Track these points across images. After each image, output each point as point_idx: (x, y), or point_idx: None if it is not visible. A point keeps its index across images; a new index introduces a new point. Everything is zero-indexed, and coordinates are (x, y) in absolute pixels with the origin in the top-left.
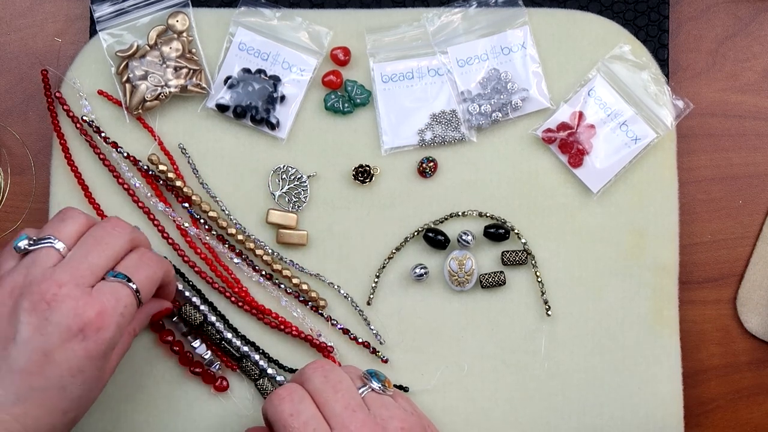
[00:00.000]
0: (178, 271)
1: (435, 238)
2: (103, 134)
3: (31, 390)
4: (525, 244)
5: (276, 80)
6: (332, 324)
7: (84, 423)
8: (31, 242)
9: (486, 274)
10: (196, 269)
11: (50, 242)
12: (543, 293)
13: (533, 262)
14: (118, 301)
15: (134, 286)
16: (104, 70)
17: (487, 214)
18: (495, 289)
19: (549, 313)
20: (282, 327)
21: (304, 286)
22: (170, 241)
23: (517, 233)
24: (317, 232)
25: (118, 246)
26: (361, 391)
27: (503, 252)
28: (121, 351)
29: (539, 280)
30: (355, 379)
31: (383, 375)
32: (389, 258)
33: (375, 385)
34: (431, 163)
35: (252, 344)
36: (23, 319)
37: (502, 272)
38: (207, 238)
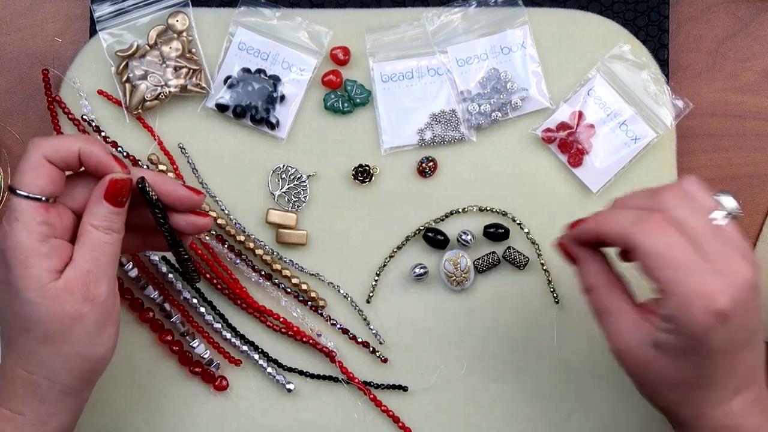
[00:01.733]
0: (177, 270)
1: (435, 238)
2: (103, 134)
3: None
4: (528, 233)
5: (276, 80)
6: (332, 324)
7: (84, 423)
8: None
9: (479, 258)
10: (197, 267)
11: None
12: (550, 281)
13: (538, 251)
14: (8, 211)
15: (16, 190)
16: (104, 69)
17: (488, 208)
18: (494, 288)
19: (557, 300)
20: (283, 329)
21: (304, 286)
22: None
23: (519, 223)
24: (317, 231)
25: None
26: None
27: (507, 249)
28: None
29: (545, 268)
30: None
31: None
32: (390, 257)
33: (732, 207)
34: (431, 163)
35: (251, 344)
36: None
37: (494, 252)
38: (206, 237)
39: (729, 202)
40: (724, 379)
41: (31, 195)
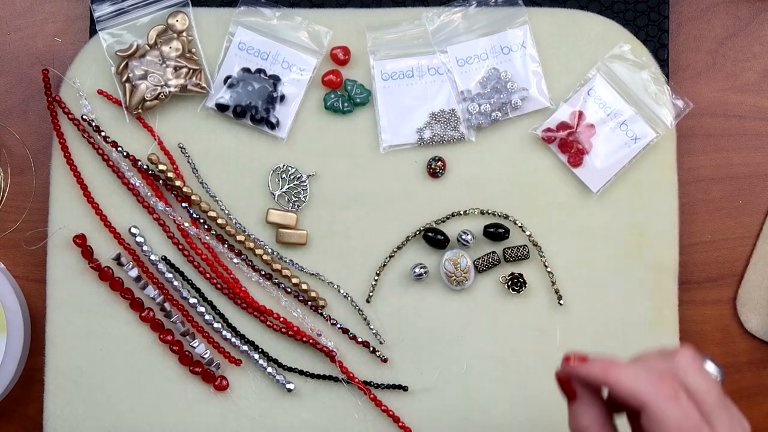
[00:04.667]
0: (177, 270)
1: (435, 238)
2: (102, 134)
3: None
4: (530, 236)
5: (276, 80)
6: (332, 324)
7: (84, 423)
8: None
9: (479, 258)
10: (197, 267)
11: None
12: (554, 283)
13: (540, 253)
14: None
15: None
16: (104, 69)
17: (489, 211)
18: (494, 288)
19: (561, 302)
20: (283, 329)
21: (304, 286)
22: (173, 240)
23: (521, 226)
24: (317, 231)
25: None
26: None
27: (505, 249)
28: None
29: (548, 270)
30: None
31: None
32: (390, 256)
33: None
34: (440, 162)
35: (251, 343)
36: None
37: (494, 252)
38: (207, 237)
39: (714, 368)
40: None
41: None
